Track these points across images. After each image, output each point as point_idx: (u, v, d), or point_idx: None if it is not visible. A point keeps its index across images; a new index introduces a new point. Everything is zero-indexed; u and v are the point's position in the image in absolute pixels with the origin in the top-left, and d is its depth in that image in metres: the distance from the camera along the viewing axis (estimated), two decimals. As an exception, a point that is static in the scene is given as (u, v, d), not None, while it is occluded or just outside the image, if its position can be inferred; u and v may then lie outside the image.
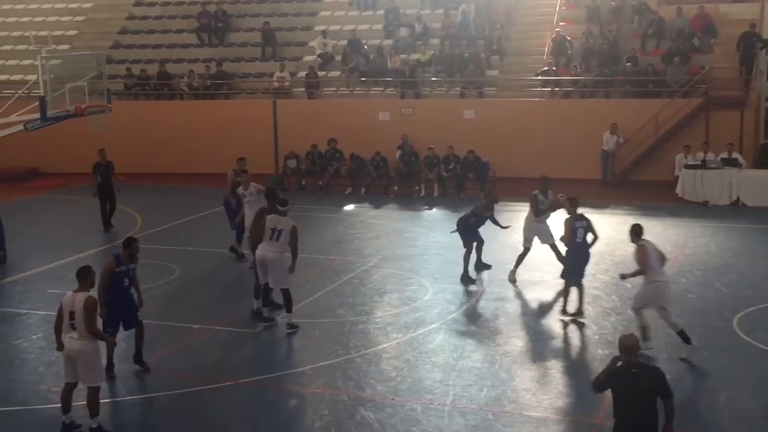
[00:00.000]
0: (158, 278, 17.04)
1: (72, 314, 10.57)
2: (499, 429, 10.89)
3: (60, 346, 10.80)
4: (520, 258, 16.98)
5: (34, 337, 14.23)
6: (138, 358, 12.76)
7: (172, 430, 11.14)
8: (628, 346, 8.63)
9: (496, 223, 17.82)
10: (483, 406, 11.51)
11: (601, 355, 13.09)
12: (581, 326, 14.35)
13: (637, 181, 25.92)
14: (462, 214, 17.85)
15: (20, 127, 17.96)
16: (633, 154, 26.01)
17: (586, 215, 15.24)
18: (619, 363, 8.66)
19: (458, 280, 16.85)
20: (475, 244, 17.28)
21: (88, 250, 18.98)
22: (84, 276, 10.89)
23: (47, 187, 28.01)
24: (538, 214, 16.79)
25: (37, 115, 17.59)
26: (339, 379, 12.48)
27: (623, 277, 13.63)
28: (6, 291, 17.27)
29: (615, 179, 26.16)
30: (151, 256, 18.72)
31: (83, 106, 18.05)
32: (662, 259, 13.13)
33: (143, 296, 12.76)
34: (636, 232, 13.15)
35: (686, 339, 12.88)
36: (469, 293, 16.36)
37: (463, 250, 16.98)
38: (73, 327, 10.58)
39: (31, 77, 21.09)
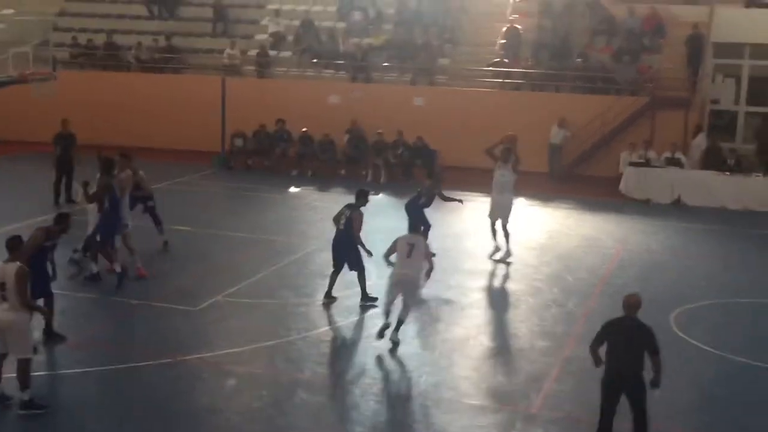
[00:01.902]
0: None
1: (2, 285, 10.34)
2: (438, 416, 10.91)
3: None
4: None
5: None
6: (49, 330, 12.52)
7: (109, 404, 10.95)
8: (631, 303, 9.79)
9: (448, 199, 17.85)
10: (422, 392, 11.53)
11: (540, 347, 13.20)
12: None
13: (582, 175, 26.17)
14: (408, 198, 17.87)
15: (-40, 91, 17.53)
16: (579, 149, 26.25)
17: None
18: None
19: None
20: (422, 228, 17.26)
21: (27, 220, 18.54)
22: (14, 246, 10.68)
23: (-14, 154, 27.37)
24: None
25: (-21, 80, 17.18)
26: (279, 360, 12.41)
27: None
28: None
29: (561, 173, 26.37)
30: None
31: (27, 72, 17.64)
32: (410, 251, 13.18)
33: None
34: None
35: (397, 328, 12.90)
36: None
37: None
38: (3, 298, 10.34)
39: (-26, 41, 20.57)
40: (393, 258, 13.91)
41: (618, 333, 9.70)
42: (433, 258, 14.65)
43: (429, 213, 17.76)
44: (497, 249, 17.78)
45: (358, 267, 14.62)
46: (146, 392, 11.29)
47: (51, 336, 12.54)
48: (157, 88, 28.84)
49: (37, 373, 11.15)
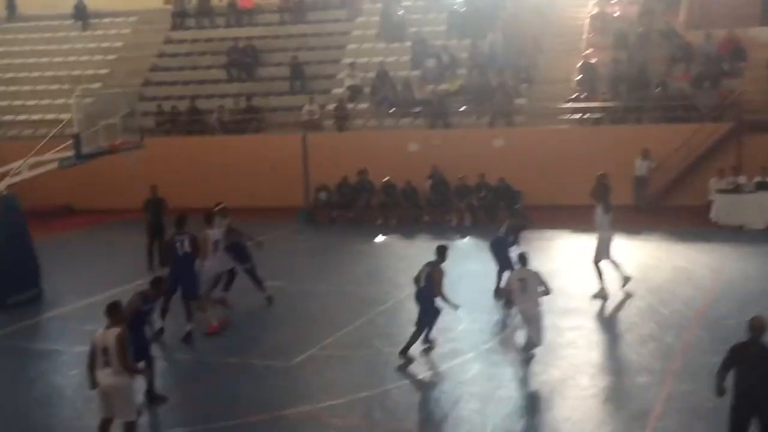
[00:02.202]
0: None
1: (105, 350, 10.61)
2: (540, 459, 10.76)
3: (93, 385, 10.83)
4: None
5: (70, 373, 14.26)
6: (151, 392, 12.75)
7: (211, 464, 11.12)
8: (756, 326, 9.65)
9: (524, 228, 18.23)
10: (522, 436, 11.40)
11: (640, 384, 12.92)
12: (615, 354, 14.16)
13: (669, 206, 25.71)
14: (492, 237, 17.83)
15: (55, 164, 18.14)
16: (665, 180, 25.84)
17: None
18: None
19: (491, 309, 16.79)
20: (506, 272, 17.18)
21: (123, 286, 19.05)
22: (114, 312, 10.95)
23: (80, 224, 28.28)
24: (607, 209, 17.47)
25: (71, 153, 17.76)
26: (376, 411, 12.41)
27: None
28: (42, 327, 17.40)
29: (648, 205, 25.96)
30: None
31: (116, 143, 18.22)
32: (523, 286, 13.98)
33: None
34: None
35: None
36: (503, 322, 16.26)
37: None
38: (106, 363, 10.61)
39: (65, 116, 21.34)
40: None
41: (745, 357, 9.57)
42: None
43: (514, 254, 17.65)
44: (624, 279, 17.72)
45: (427, 323, 14.47)
46: (248, 449, 11.42)
47: (153, 398, 12.80)
48: (240, 149, 29.46)
49: (142, 435, 11.39)
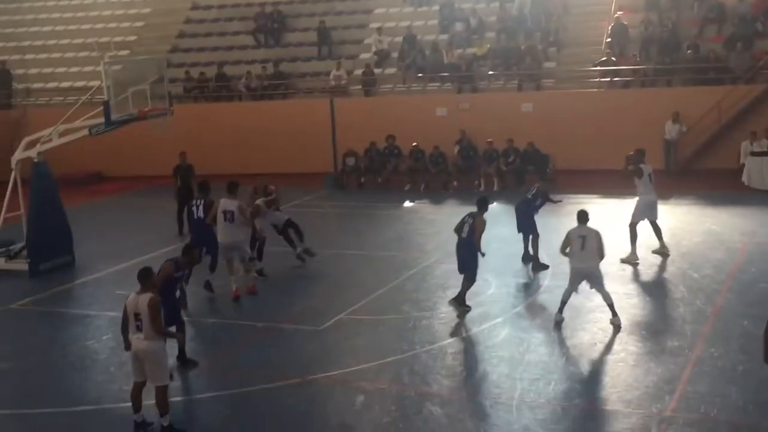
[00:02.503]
0: (223, 278, 17.20)
1: (137, 316, 10.72)
2: (568, 423, 10.78)
3: (128, 346, 10.97)
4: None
5: (104, 338, 14.47)
6: (182, 356, 12.93)
7: (241, 427, 11.22)
8: None
9: (552, 200, 17.88)
10: (551, 400, 11.40)
11: (670, 348, 12.88)
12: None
13: (700, 170, 25.48)
14: (519, 200, 17.77)
15: (85, 132, 18.23)
16: (696, 143, 25.58)
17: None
18: None
19: (521, 273, 16.79)
20: (531, 236, 17.17)
21: (154, 252, 19.23)
22: (145, 277, 11.03)
23: (111, 191, 28.51)
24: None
25: (101, 120, 17.84)
26: (405, 375, 12.48)
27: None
28: (75, 293, 17.61)
29: (678, 169, 25.74)
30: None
31: (146, 109, 18.27)
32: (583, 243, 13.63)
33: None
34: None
35: (561, 310, 14.00)
36: (532, 287, 16.25)
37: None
38: (138, 328, 10.73)
39: (94, 83, 21.42)
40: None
41: None
42: (545, 269, 14.65)
43: (544, 217, 17.61)
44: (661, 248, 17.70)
45: (471, 275, 14.66)
46: (278, 413, 11.53)
47: (184, 362, 12.95)
48: (268, 115, 29.49)
49: (174, 398, 11.54)
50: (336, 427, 11.09)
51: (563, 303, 13.99)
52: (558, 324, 13.91)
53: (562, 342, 13.41)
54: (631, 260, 17.15)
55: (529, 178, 24.83)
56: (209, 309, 15.70)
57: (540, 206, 17.45)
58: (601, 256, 13.79)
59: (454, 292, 15.35)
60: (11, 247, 19.22)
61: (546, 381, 11.96)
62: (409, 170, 26.61)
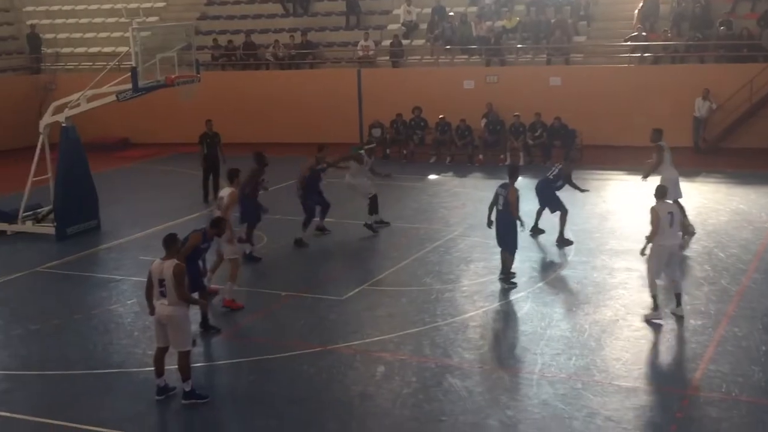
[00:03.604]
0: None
1: (161, 282, 10.80)
2: (588, 398, 10.78)
3: (152, 311, 11.07)
4: None
5: (128, 302, 14.60)
6: (205, 323, 13.04)
7: (264, 393, 11.31)
8: None
9: (575, 186, 17.56)
10: (572, 375, 11.40)
11: (693, 326, 12.82)
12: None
13: (730, 148, 25.24)
14: (542, 179, 17.68)
15: (113, 97, 18.29)
16: (726, 121, 25.30)
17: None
18: None
19: (544, 248, 16.74)
20: (558, 213, 17.10)
21: (179, 218, 19.35)
22: (170, 244, 11.09)
23: (138, 157, 28.64)
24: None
25: (129, 86, 17.89)
26: (426, 346, 12.51)
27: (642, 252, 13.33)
28: (100, 258, 17.76)
29: (707, 147, 25.50)
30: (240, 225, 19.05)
31: (173, 76, 18.28)
32: (673, 221, 12.95)
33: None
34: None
35: (656, 306, 13.13)
36: (555, 262, 16.21)
37: (552, 216, 16.94)
38: (162, 294, 10.81)
39: (122, 49, 21.46)
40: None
41: None
42: (569, 245, 14.38)
43: (570, 192, 17.52)
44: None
45: (511, 247, 14.63)
46: (299, 381, 11.60)
47: (207, 328, 13.05)
48: (295, 84, 29.47)
49: (196, 364, 11.65)
50: (356, 396, 11.16)
51: (655, 295, 13.13)
52: (680, 318, 13.03)
53: (584, 318, 13.37)
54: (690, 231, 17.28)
55: (555, 152, 24.74)
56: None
57: (560, 187, 17.31)
58: (684, 231, 13.41)
59: (477, 265, 15.37)
60: (39, 211, 19.41)
61: (567, 356, 11.96)
62: (434, 143, 26.53)
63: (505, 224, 14.56)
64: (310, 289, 15.03)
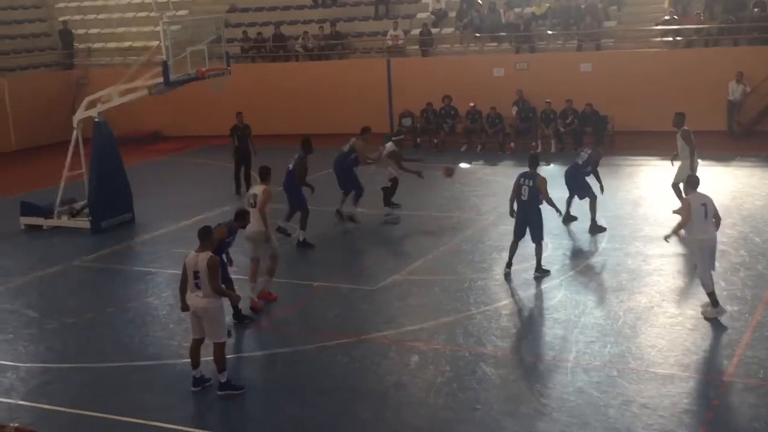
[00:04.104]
0: (279, 237, 17.37)
1: (196, 274, 10.86)
2: (624, 385, 10.72)
3: (184, 307, 11.13)
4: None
5: (163, 294, 14.72)
6: (237, 314, 13.09)
7: (297, 384, 11.36)
8: None
9: (598, 177, 17.43)
10: (607, 362, 11.34)
11: (729, 312, 12.69)
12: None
13: (765, 131, 24.90)
14: (571, 165, 17.57)
15: (144, 92, 18.42)
16: (761, 104, 24.97)
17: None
18: None
19: (577, 235, 16.65)
20: (588, 199, 16.99)
21: (211, 211, 19.46)
22: (205, 236, 11.14)
23: (169, 150, 28.83)
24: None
25: (160, 80, 18.00)
26: (460, 335, 12.50)
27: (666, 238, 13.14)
28: (135, 251, 17.90)
29: (741, 130, 25.20)
30: (272, 216, 19.12)
31: (204, 69, 18.37)
32: (707, 213, 12.34)
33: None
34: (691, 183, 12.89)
35: (715, 302, 12.41)
36: (588, 249, 16.11)
37: (582, 203, 16.85)
38: (197, 286, 10.87)
39: (153, 43, 21.62)
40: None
41: None
42: (602, 232, 14.22)
43: (603, 179, 17.41)
44: None
45: (538, 237, 14.51)
46: (334, 371, 11.64)
47: (240, 319, 13.13)
48: (325, 75, 29.49)
49: (231, 356, 11.73)
50: (390, 385, 11.17)
51: (712, 293, 12.42)
52: (713, 320, 12.38)
53: (618, 305, 13.29)
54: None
55: (586, 139, 24.57)
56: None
57: (589, 173, 17.20)
58: (718, 225, 12.62)
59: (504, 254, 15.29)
60: (74, 205, 19.60)
61: (602, 343, 11.89)
62: (465, 131, 26.46)
63: (531, 214, 14.41)
64: (342, 280, 15.06)
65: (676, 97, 24.63)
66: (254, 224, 13.62)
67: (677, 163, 17.52)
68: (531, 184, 14.31)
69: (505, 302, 13.68)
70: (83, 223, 18.99)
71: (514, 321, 13.07)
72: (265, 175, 14.56)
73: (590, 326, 12.51)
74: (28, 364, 12.31)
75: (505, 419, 10.15)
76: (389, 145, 18.60)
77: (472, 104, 26.41)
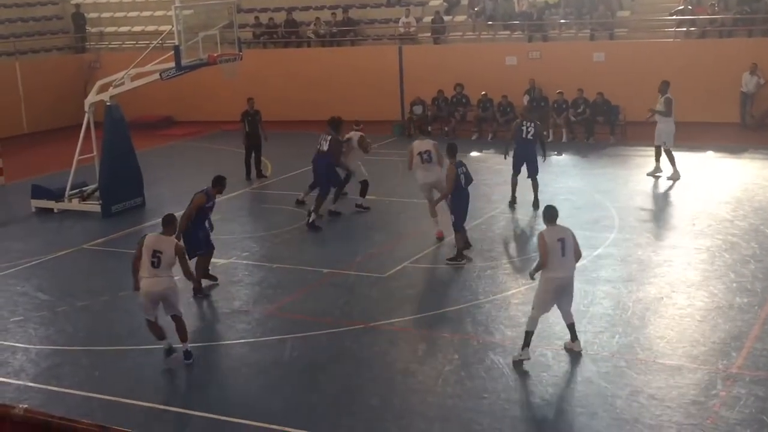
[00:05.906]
0: (289, 223, 17.42)
1: (155, 253, 11.18)
2: (632, 376, 10.71)
3: (137, 287, 11.39)
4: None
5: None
6: (206, 273, 13.92)
7: (305, 370, 11.39)
8: None
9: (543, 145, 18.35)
10: (615, 353, 11.34)
11: (739, 304, 12.67)
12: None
13: (777, 124, 24.79)
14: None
15: (156, 76, 18.43)
16: (774, 96, 24.87)
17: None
18: None
19: (587, 225, 16.63)
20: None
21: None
22: (170, 222, 11.66)
23: (180, 135, 28.85)
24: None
25: (172, 65, 18.00)
26: (468, 324, 12.51)
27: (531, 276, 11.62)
28: (145, 234, 17.88)
29: (754, 122, 25.08)
30: (282, 202, 19.18)
31: (215, 54, 18.37)
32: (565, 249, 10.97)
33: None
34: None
35: (527, 343, 11.04)
36: (598, 240, 16.07)
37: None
38: (154, 265, 11.18)
39: (165, 28, 21.61)
40: None
41: None
42: None
43: (612, 169, 17.37)
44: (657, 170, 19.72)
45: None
46: (341, 358, 11.67)
47: (207, 276, 13.98)
48: (336, 61, 29.45)
49: (240, 340, 11.76)
50: (398, 373, 11.20)
51: (529, 334, 11.03)
52: (519, 363, 11.04)
53: (627, 295, 13.27)
54: (674, 177, 19.32)
55: (598, 129, 24.48)
56: (276, 255, 15.87)
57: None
58: (578, 258, 11.25)
59: (518, 242, 15.26)
60: (84, 189, 19.65)
61: (610, 334, 11.89)
62: (477, 119, 26.40)
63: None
64: (352, 267, 15.07)
65: (689, 88, 24.54)
66: (436, 174, 16.14)
67: (658, 124, 19.66)
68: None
69: (513, 291, 13.68)
70: (94, 206, 19.05)
71: (523, 310, 13.02)
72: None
73: (599, 316, 12.50)
74: (38, 347, 12.39)
75: (513, 408, 10.17)
76: (354, 134, 18.34)
77: (483, 93, 26.34)
